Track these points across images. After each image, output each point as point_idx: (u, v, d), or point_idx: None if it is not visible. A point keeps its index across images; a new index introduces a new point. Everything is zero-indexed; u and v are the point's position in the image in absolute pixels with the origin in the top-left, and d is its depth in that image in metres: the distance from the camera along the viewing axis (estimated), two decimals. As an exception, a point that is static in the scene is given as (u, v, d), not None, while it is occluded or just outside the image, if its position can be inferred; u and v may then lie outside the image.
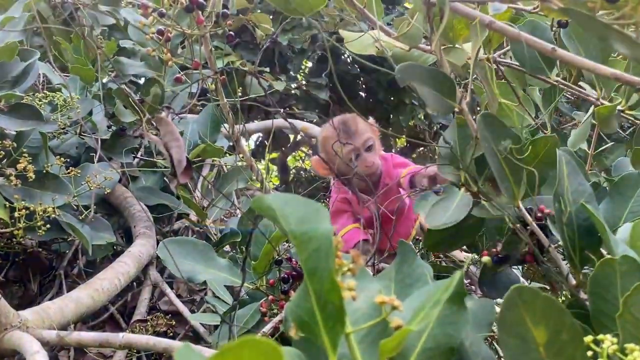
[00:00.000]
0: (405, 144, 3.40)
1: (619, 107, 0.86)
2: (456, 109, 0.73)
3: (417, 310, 0.45)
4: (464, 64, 0.87)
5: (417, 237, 1.44)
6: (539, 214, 0.75)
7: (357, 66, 2.88)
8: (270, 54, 2.61)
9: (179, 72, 0.81)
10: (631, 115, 0.86)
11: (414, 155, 3.29)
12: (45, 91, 1.35)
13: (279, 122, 1.99)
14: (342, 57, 2.96)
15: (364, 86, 2.97)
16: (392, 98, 2.78)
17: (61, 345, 0.83)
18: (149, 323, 1.29)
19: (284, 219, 0.45)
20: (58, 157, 1.20)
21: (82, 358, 1.29)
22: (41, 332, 0.81)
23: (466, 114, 0.74)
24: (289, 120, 1.03)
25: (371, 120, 1.27)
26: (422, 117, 2.79)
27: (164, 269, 1.49)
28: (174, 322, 1.29)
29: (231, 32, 0.77)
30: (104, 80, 1.47)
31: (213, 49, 0.77)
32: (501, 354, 0.51)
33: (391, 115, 2.77)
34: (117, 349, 0.82)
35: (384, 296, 0.45)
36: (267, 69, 2.22)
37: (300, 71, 2.89)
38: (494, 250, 0.82)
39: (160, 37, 0.81)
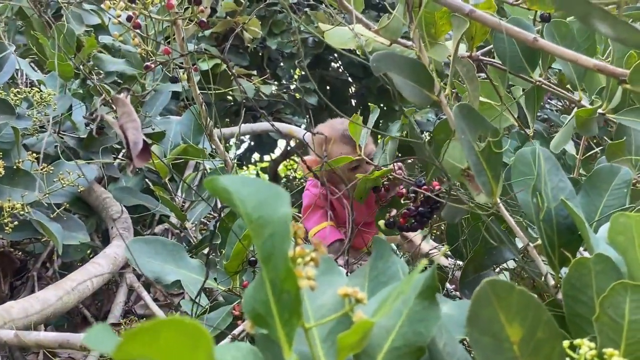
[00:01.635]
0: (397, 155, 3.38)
1: (600, 110, 0.83)
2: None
3: (381, 302, 0.42)
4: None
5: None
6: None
7: (347, 73, 2.87)
8: (259, 59, 2.59)
9: (150, 62, 0.78)
10: (613, 118, 0.83)
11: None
12: (21, 87, 1.31)
13: (265, 125, 1.96)
14: (332, 64, 2.95)
15: (353, 92, 2.95)
16: (381, 105, 2.76)
17: (20, 346, 0.79)
18: (122, 327, 1.25)
19: (241, 201, 0.41)
20: (30, 152, 1.16)
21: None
22: (-2, 331, 0.77)
23: (444, 106, 0.71)
24: (273, 123, 1.00)
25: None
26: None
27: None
28: (149, 326, 1.25)
29: (203, 19, 0.74)
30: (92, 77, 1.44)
31: (184, 35, 0.74)
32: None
33: (380, 122, 2.74)
34: (77, 350, 0.78)
35: (347, 288, 0.42)
36: (255, 72, 2.20)
37: (292, 78, 2.87)
38: (388, 215, 0.92)
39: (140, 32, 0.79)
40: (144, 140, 0.52)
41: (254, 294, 0.41)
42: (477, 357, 0.40)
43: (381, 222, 0.96)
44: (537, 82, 0.91)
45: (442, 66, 0.89)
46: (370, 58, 0.69)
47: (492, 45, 0.94)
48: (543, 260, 0.68)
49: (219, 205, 1.75)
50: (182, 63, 0.84)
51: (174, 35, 0.84)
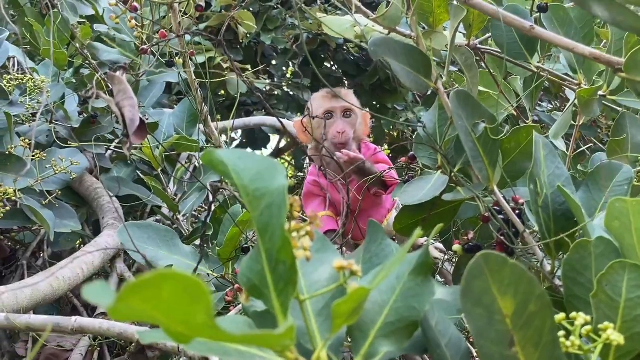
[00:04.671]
0: (389, 154, 3.39)
1: (600, 92, 0.84)
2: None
3: (376, 273, 0.42)
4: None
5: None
6: (513, 205, 0.72)
7: (340, 70, 2.87)
8: (253, 54, 2.58)
9: (147, 46, 0.78)
10: (612, 100, 0.84)
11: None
12: (14, 73, 1.30)
13: (258, 119, 1.96)
14: (326, 63, 2.95)
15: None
16: (374, 102, 2.77)
17: (11, 328, 0.78)
18: (112, 316, 1.24)
19: (237, 174, 0.41)
20: (23, 138, 1.15)
21: (41, 350, 1.24)
22: (-12, 314, 0.76)
23: (442, 94, 0.71)
24: (279, 118, 1.00)
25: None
26: (405, 122, 2.78)
27: (132, 262, 1.44)
28: (139, 316, 1.24)
29: (200, 4, 0.74)
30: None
31: (181, 19, 0.74)
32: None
33: (373, 120, 2.75)
34: (69, 333, 0.77)
35: (342, 261, 0.42)
36: (249, 67, 2.20)
37: (284, 76, 2.87)
38: (466, 238, 0.78)
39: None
40: (140, 119, 0.52)
41: (250, 265, 0.41)
42: (470, 328, 0.40)
43: (457, 247, 0.77)
44: (537, 69, 0.91)
45: (442, 55, 0.89)
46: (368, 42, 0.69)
47: (490, 34, 0.94)
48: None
49: (210, 199, 1.75)
50: (178, 52, 0.83)
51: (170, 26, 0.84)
